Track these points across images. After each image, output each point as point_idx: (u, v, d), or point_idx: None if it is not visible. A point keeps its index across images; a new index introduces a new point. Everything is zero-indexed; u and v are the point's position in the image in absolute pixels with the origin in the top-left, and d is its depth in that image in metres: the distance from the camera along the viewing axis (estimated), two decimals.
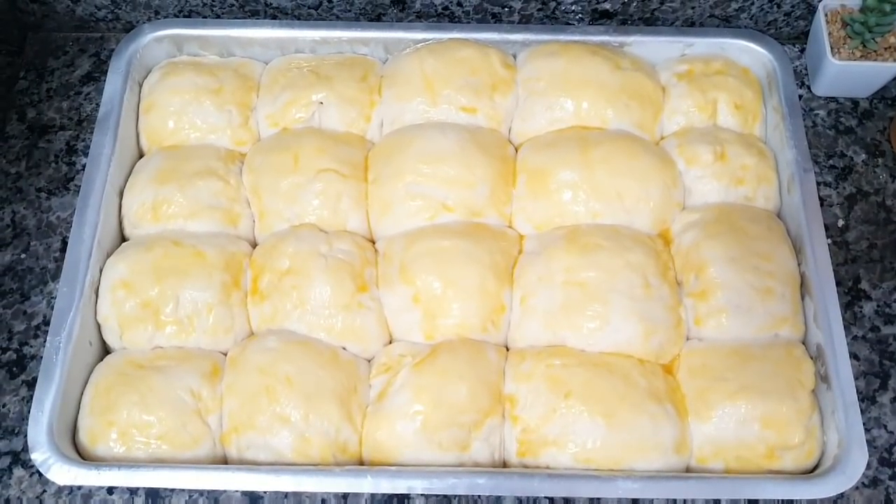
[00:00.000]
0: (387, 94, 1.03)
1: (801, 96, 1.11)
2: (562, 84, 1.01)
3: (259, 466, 0.84)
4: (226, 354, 0.92)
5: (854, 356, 0.96)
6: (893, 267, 1.02)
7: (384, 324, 0.93)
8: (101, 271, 0.94)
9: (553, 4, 1.11)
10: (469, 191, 0.97)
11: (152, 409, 0.86)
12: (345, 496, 0.90)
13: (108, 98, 1.02)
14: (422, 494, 0.89)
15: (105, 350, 0.94)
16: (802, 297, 0.93)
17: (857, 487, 0.87)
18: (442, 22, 1.13)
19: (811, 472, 0.86)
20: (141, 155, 1.05)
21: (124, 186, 1.00)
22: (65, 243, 1.01)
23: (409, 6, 1.11)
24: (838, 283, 0.94)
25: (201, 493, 0.89)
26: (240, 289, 0.94)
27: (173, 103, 1.02)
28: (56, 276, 1.00)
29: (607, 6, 1.11)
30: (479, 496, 0.89)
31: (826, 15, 1.08)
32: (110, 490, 0.90)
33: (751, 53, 1.06)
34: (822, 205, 1.00)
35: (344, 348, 0.92)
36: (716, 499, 0.86)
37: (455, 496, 0.89)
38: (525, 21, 1.13)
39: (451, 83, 1.01)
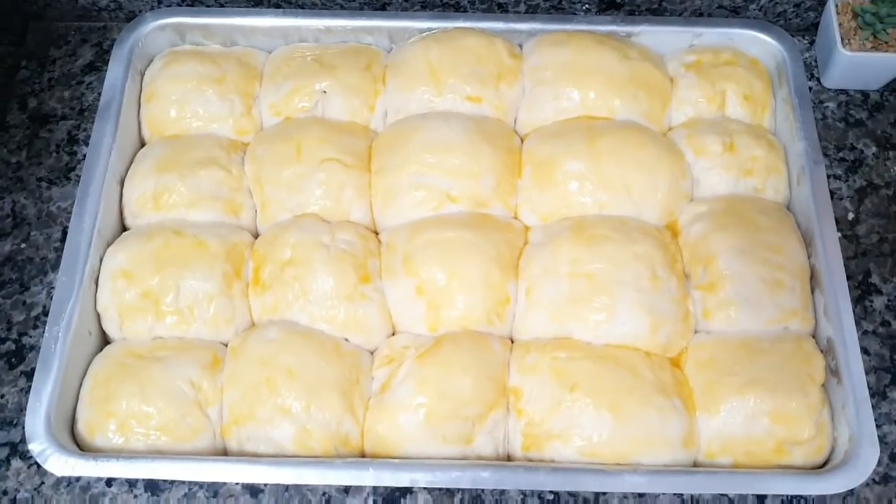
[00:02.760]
0: (391, 84, 1.02)
1: (810, 88, 1.09)
2: (569, 74, 1.00)
3: (259, 458, 0.83)
4: (227, 345, 0.91)
5: (864, 351, 0.95)
6: None
7: (387, 315, 0.92)
8: (101, 261, 0.93)
9: None
10: (474, 181, 0.95)
11: (151, 399, 0.85)
12: (346, 489, 0.88)
13: (110, 87, 1.01)
14: (424, 488, 0.88)
15: (104, 340, 0.93)
16: (812, 291, 0.92)
17: (867, 484, 0.86)
18: (447, 11, 1.12)
19: (821, 467, 0.84)
20: (142, 144, 1.04)
21: (125, 175, 0.99)
22: (65, 233, 1.00)
23: None
24: (848, 277, 0.92)
25: (201, 485, 0.88)
26: (241, 279, 0.93)
27: (175, 92, 1.01)
28: (56, 266, 0.98)
29: None
30: (482, 490, 0.88)
31: (836, 5, 1.07)
32: (109, 482, 0.89)
33: (760, 44, 1.05)
34: (831, 198, 0.99)
35: (346, 340, 0.90)
36: (724, 494, 0.85)
37: (458, 490, 0.88)
38: (531, 10, 1.12)
39: (456, 73, 1.00)
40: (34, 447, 0.82)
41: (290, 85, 1.01)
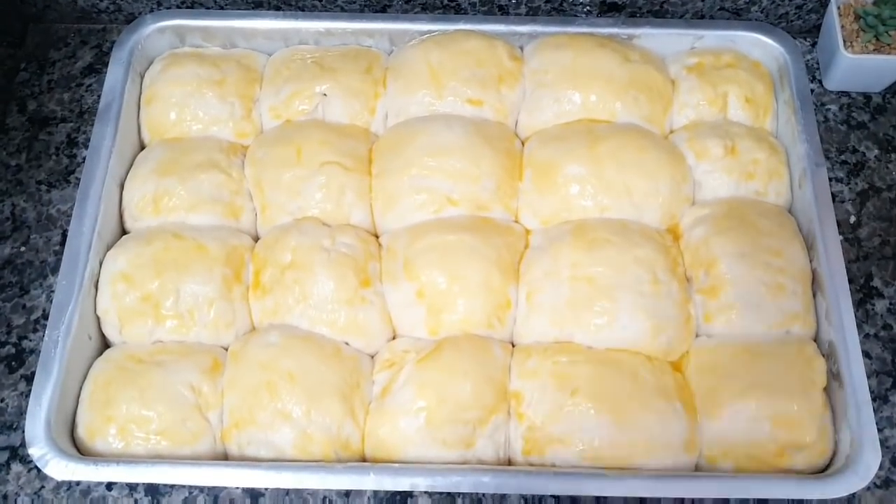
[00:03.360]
0: (392, 87, 1.02)
1: (812, 91, 1.09)
2: (570, 76, 1.00)
3: (260, 463, 0.83)
4: (227, 349, 0.91)
5: (866, 355, 0.94)
6: None
7: (388, 319, 0.92)
8: (100, 264, 0.93)
9: None
10: (474, 184, 0.95)
11: (151, 404, 0.85)
12: (347, 493, 0.88)
13: (110, 89, 1.00)
14: (425, 492, 0.87)
15: (104, 344, 0.93)
16: (814, 294, 0.91)
17: (869, 488, 0.85)
18: (448, 13, 1.12)
19: (823, 471, 0.84)
20: (142, 147, 1.03)
21: (125, 178, 0.99)
22: (65, 236, 1.00)
23: None
24: (850, 281, 0.92)
25: (201, 489, 0.88)
26: (241, 283, 0.92)
27: (175, 95, 1.01)
28: (56, 269, 0.98)
29: None
30: (483, 494, 0.88)
31: (839, 7, 1.06)
32: (109, 486, 0.89)
33: (762, 46, 1.04)
34: (833, 201, 0.98)
35: (347, 344, 0.90)
36: (725, 498, 0.85)
37: (459, 494, 0.88)
38: (532, 13, 1.12)
39: (457, 75, 1.00)
40: (34, 451, 0.82)
41: (291, 88, 1.01)
